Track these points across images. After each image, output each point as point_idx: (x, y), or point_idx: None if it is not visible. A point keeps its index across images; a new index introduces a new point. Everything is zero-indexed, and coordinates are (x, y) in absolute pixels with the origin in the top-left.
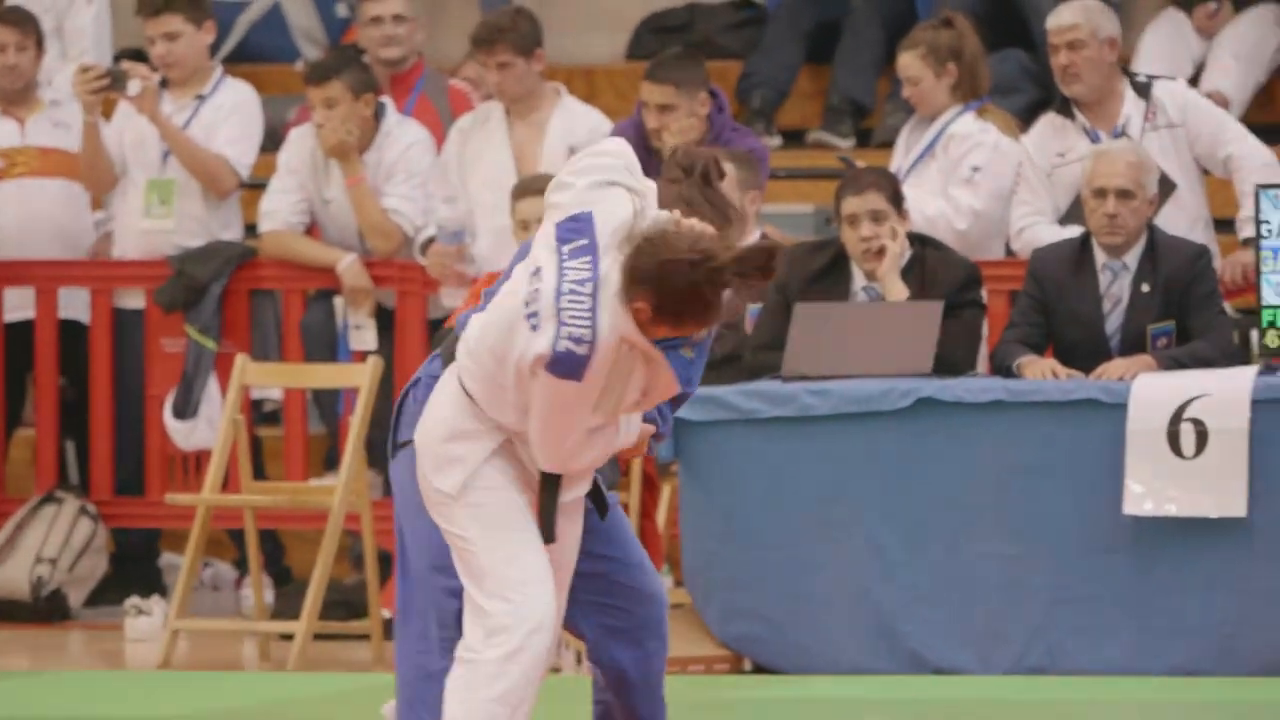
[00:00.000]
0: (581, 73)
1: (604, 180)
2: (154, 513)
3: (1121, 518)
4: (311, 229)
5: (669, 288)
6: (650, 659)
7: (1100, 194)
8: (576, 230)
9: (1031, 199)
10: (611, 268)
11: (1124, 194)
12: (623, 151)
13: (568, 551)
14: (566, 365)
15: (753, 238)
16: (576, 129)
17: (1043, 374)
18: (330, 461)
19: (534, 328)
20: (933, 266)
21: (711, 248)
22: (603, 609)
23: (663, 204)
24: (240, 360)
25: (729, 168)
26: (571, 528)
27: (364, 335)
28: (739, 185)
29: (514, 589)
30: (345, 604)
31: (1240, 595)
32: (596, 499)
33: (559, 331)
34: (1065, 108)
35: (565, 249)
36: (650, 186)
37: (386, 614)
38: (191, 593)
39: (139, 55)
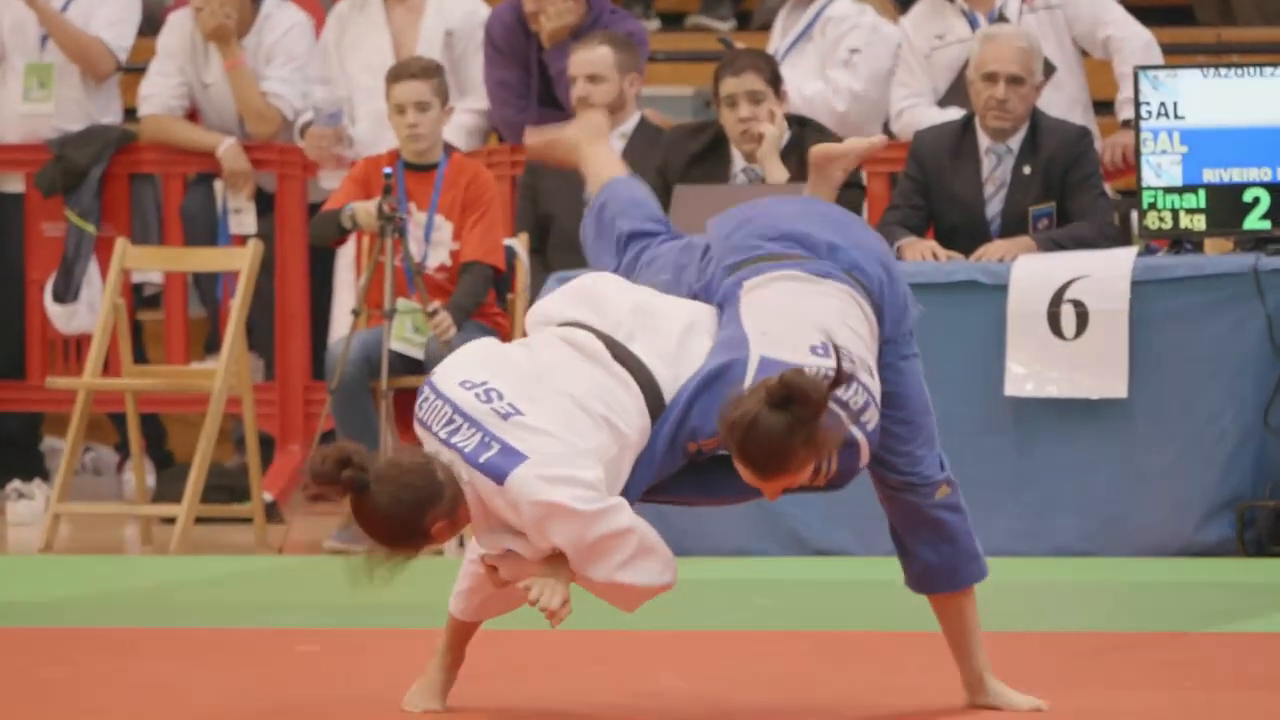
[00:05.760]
0: None
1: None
2: (34, 397)
3: (1003, 399)
4: (191, 113)
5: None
6: None
7: (991, 78)
8: (494, 457)
9: (910, 81)
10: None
11: (1014, 79)
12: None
13: None
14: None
15: (633, 120)
16: (453, 12)
17: (923, 255)
18: (211, 345)
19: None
20: (812, 148)
21: None
22: None
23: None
24: (120, 244)
25: (606, 50)
26: None
27: (244, 219)
28: (618, 68)
29: None
30: (227, 488)
31: (1121, 476)
32: None
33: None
34: None
35: (474, 436)
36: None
37: (268, 497)
38: (73, 476)
39: None
